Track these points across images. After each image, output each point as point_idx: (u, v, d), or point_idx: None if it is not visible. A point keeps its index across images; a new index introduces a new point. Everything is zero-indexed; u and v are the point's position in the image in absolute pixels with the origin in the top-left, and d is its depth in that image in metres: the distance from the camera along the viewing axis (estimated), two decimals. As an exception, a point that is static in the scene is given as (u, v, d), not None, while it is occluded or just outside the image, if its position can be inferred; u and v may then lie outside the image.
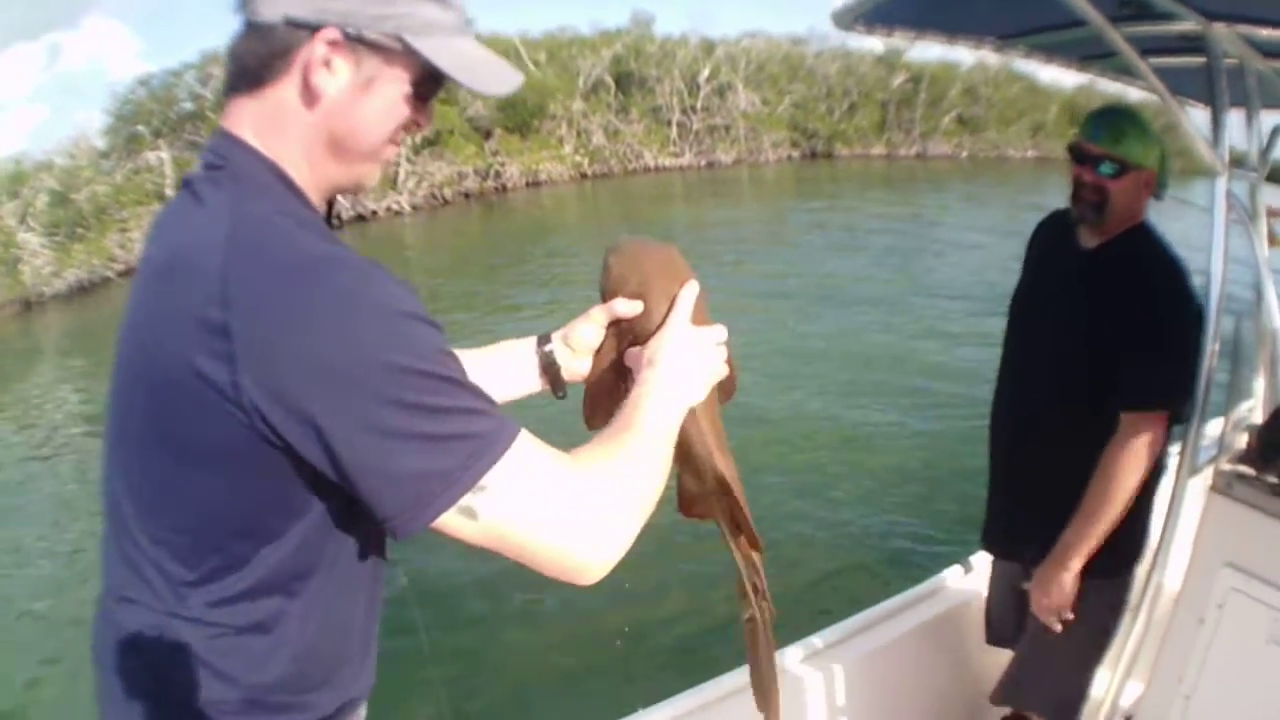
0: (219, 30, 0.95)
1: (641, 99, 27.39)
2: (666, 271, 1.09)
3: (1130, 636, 1.80)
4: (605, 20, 28.43)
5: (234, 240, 0.80)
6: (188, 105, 25.96)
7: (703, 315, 1.10)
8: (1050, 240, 2.03)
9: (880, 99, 35.16)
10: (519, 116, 25.37)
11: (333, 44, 0.88)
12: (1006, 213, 20.22)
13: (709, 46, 29.95)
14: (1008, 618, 2.18)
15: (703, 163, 27.31)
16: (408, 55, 0.90)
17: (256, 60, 0.91)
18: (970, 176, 30.14)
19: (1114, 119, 1.79)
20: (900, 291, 11.84)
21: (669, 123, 27.47)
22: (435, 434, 0.80)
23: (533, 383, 1.25)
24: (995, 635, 2.26)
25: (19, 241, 25.33)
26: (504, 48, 26.16)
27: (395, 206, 23.86)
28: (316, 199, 0.96)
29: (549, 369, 1.23)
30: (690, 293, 1.09)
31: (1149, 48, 1.76)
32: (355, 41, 0.88)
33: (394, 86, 0.92)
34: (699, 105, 28.25)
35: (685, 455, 1.08)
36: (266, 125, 0.92)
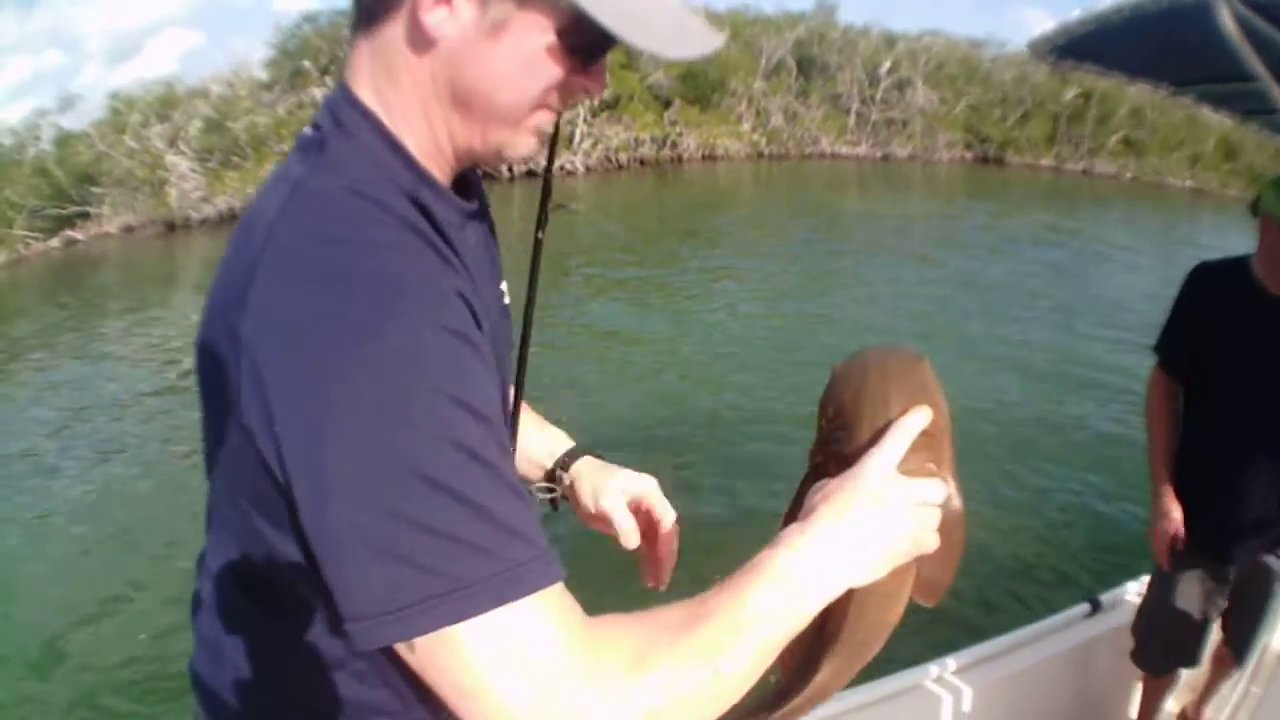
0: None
1: (822, 85, 26.54)
2: (890, 389, 0.83)
3: (1235, 690, 2.28)
4: (789, 2, 27.63)
5: (275, 229, 0.69)
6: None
7: (932, 458, 0.82)
8: (1224, 289, 2.28)
9: (1052, 110, 33.69)
10: (700, 89, 24.77)
11: None
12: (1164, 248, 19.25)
13: (890, 40, 28.95)
14: (1191, 634, 2.38)
15: (878, 154, 26.26)
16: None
17: None
18: (1132, 199, 28.79)
19: None
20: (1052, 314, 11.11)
21: (848, 111, 26.51)
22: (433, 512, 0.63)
23: (529, 470, 1.19)
24: (1168, 656, 2.46)
25: (167, 164, 25.74)
26: (689, 19, 25.69)
27: (569, 166, 23.45)
28: (449, 164, 0.85)
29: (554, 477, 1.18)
30: (913, 421, 0.80)
31: None
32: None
33: (533, 36, 0.74)
34: (878, 97, 27.21)
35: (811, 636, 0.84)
36: (381, 75, 0.79)
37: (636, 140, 23.51)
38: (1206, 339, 2.28)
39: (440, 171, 0.84)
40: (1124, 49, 1.95)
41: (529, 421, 1.22)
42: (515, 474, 0.70)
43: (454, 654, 0.62)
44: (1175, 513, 2.29)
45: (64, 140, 29.35)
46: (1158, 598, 2.44)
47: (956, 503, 0.84)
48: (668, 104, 24.49)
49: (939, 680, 2.33)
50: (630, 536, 1.09)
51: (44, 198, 28.04)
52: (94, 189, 27.29)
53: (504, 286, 1.06)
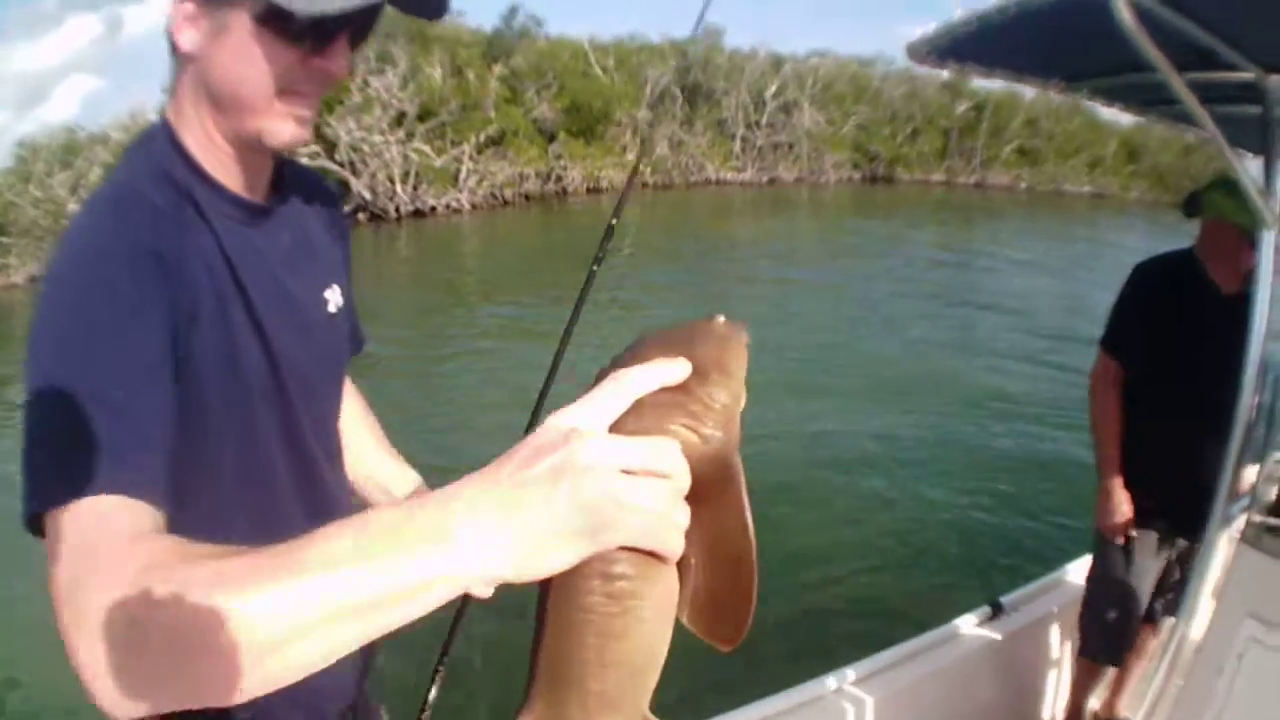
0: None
1: (707, 111, 27.48)
2: (667, 342, 0.64)
3: (1153, 683, 1.90)
4: (675, 29, 28.50)
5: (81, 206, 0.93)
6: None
7: (690, 426, 0.60)
8: (1176, 284, 2.43)
9: (943, 125, 34.83)
10: (584, 121, 25.62)
11: (189, 1, 0.89)
12: (1060, 249, 19.88)
13: (778, 63, 29.92)
14: (1134, 614, 2.51)
15: (764, 179, 27.28)
16: None
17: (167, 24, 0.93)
18: (1028, 209, 29.67)
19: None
20: (950, 324, 11.55)
21: (733, 137, 27.49)
22: (42, 412, 0.76)
23: (378, 500, 1.25)
24: (1110, 638, 2.56)
25: (69, 213, 26.15)
26: (572, 50, 26.47)
27: (455, 204, 24.24)
28: (229, 158, 0.97)
29: None
30: (654, 370, 0.59)
31: (1209, 96, 1.80)
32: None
33: (244, 31, 0.88)
34: (764, 121, 28.22)
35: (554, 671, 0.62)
36: (175, 95, 0.96)
37: (521, 175, 24.34)
38: (1163, 330, 2.41)
39: (221, 164, 0.97)
40: (1009, 47, 1.91)
41: (391, 457, 1.31)
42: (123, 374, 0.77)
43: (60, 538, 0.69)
44: (1126, 500, 2.44)
45: (-29, 190, 29.53)
46: (1102, 580, 2.56)
47: (737, 512, 0.60)
48: (552, 138, 25.31)
49: (839, 692, 2.25)
50: None
51: (-48, 244, 28.26)
52: (2, 239, 27.62)
53: (328, 294, 1.13)
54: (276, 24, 0.86)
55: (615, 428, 0.57)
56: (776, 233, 21.30)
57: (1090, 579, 2.62)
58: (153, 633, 0.58)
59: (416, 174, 24.11)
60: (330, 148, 24.18)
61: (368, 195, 24.00)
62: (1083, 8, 1.41)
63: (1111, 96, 2.30)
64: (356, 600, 0.54)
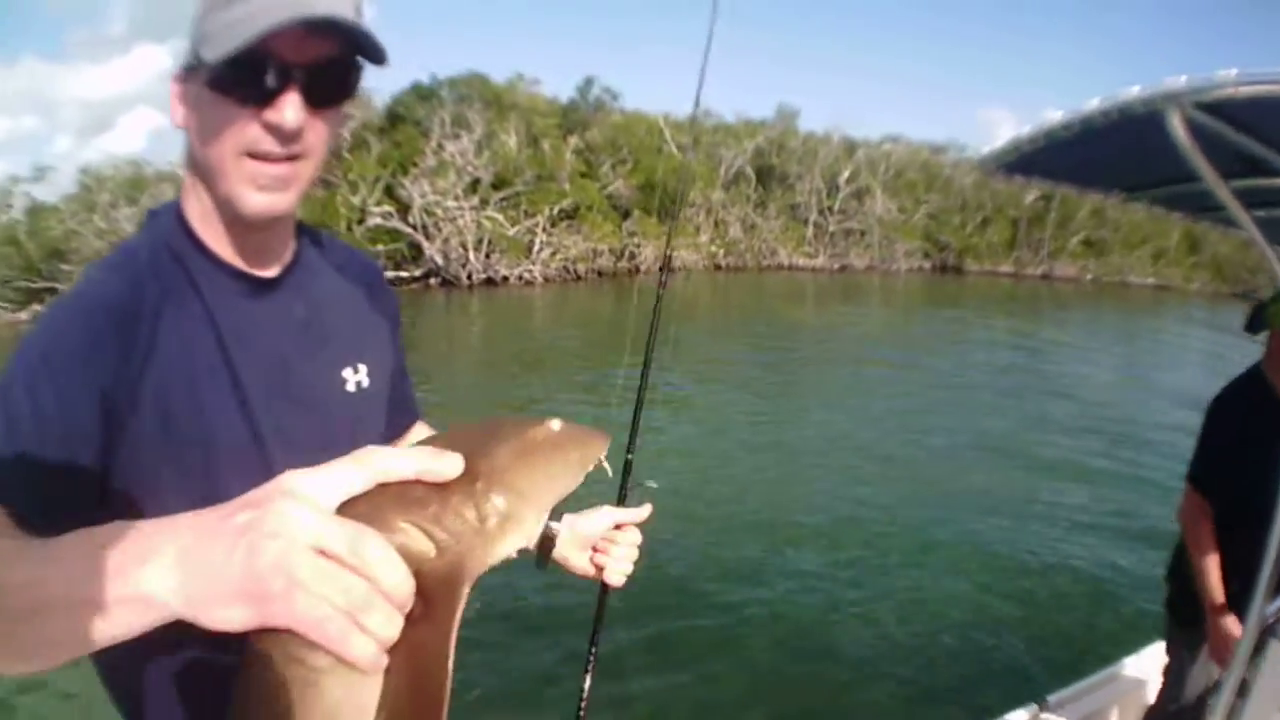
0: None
1: (781, 195, 27.10)
2: (473, 435, 0.60)
3: None
4: (751, 109, 28.27)
5: None
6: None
7: (429, 526, 0.53)
8: (1255, 410, 2.46)
9: (1012, 215, 34.41)
10: (659, 199, 25.29)
11: (176, 78, 0.94)
12: (1126, 344, 19.62)
13: (851, 147, 29.60)
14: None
15: (836, 265, 26.84)
16: (203, 65, 0.88)
17: None
18: (1094, 301, 29.32)
19: None
20: (1013, 421, 11.11)
21: (806, 221, 27.10)
22: None
23: None
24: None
25: None
26: (647, 126, 26.21)
27: (528, 275, 23.86)
28: (224, 231, 0.99)
29: (545, 543, 1.22)
30: (418, 457, 0.55)
31: (1258, 201, 1.98)
32: (186, 73, 0.93)
33: (204, 94, 0.90)
34: (836, 207, 27.83)
35: None
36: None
37: (595, 251, 23.97)
38: (1249, 463, 2.35)
39: (220, 237, 1.00)
40: (1074, 162, 2.03)
41: None
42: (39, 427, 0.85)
43: None
44: (1237, 630, 2.36)
45: (36, 211, 29.48)
46: (1177, 692, 2.62)
47: (439, 643, 0.53)
48: (626, 214, 24.98)
49: None
50: (633, 532, 1.26)
51: (14, 268, 28.17)
52: (63, 265, 27.49)
53: (348, 373, 1.11)
54: (221, 83, 0.88)
55: (346, 507, 0.53)
56: (847, 320, 20.71)
57: (1166, 693, 2.67)
58: None
59: (490, 242, 23.76)
60: (404, 210, 23.91)
61: (440, 260, 23.65)
62: (1140, 124, 1.55)
63: (1169, 204, 2.44)
64: (64, 595, 0.59)
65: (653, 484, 1.40)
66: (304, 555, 0.50)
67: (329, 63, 0.90)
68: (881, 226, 29.30)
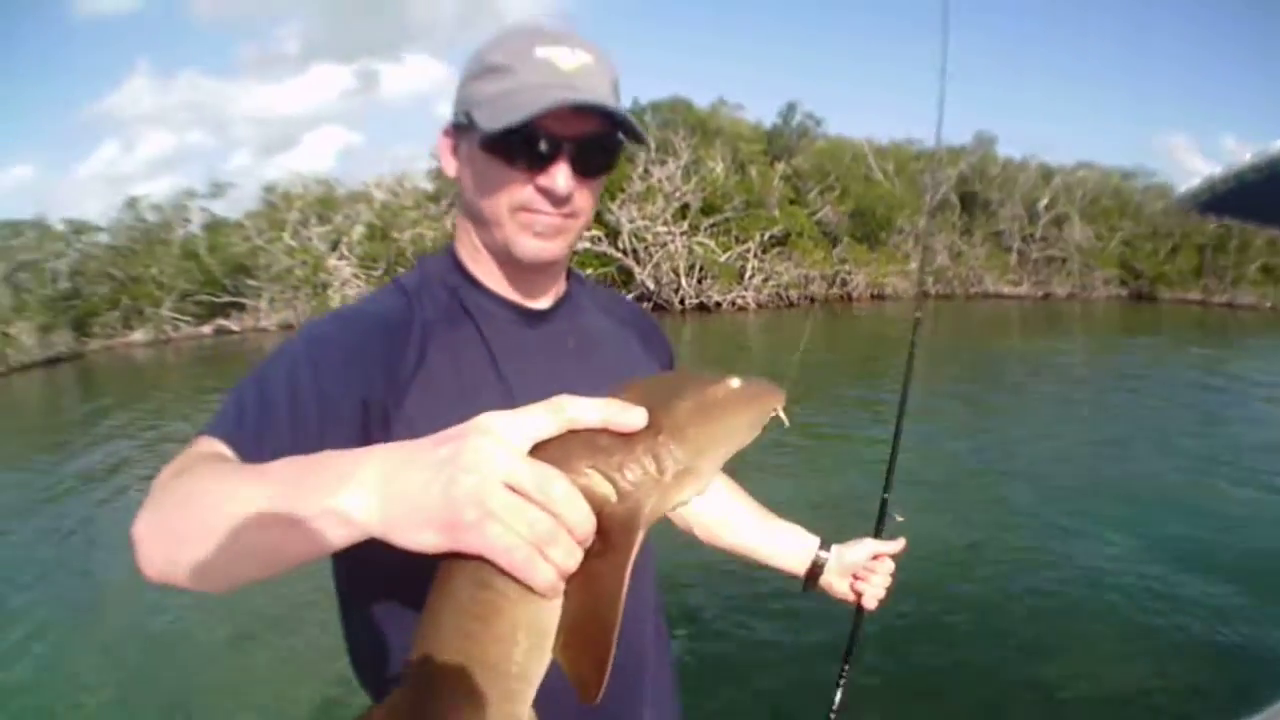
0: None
1: (985, 221, 26.03)
2: (657, 384, 0.66)
3: None
4: (950, 135, 27.22)
5: None
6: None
7: (607, 469, 0.58)
8: None
9: (1198, 241, 32.90)
10: (868, 226, 24.40)
11: (445, 135, 1.07)
12: None
13: (1047, 174, 28.42)
14: None
15: (1039, 294, 25.67)
16: (475, 126, 0.98)
17: None
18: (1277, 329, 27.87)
19: None
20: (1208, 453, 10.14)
21: (1009, 249, 26.00)
22: (239, 383, 0.93)
23: (791, 565, 1.42)
24: None
25: (329, 267, 25.72)
26: (852, 152, 25.33)
27: (740, 301, 23.11)
28: (498, 269, 1.09)
29: (815, 570, 1.40)
30: (600, 405, 0.60)
31: None
32: (457, 129, 1.05)
33: (477, 153, 1.01)
34: (1038, 234, 26.69)
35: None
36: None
37: (806, 277, 23.14)
38: None
39: (491, 273, 1.09)
40: (1265, 201, 2.06)
41: (774, 520, 1.45)
42: (297, 405, 0.88)
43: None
44: None
45: (215, 227, 29.69)
46: None
47: (614, 581, 0.58)
48: (835, 241, 24.14)
49: None
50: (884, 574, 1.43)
51: (194, 282, 28.29)
52: (249, 281, 27.44)
53: None
54: (497, 148, 0.98)
55: (537, 449, 0.58)
56: (1053, 349, 19.47)
57: None
58: (159, 501, 0.74)
59: (701, 268, 23.05)
60: (613, 235, 23.32)
61: (651, 285, 23.08)
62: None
63: None
64: (268, 509, 0.64)
65: (900, 517, 1.56)
66: (496, 489, 0.55)
67: (594, 138, 0.98)
68: (1080, 254, 28.01)
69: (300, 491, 0.63)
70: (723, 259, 23.03)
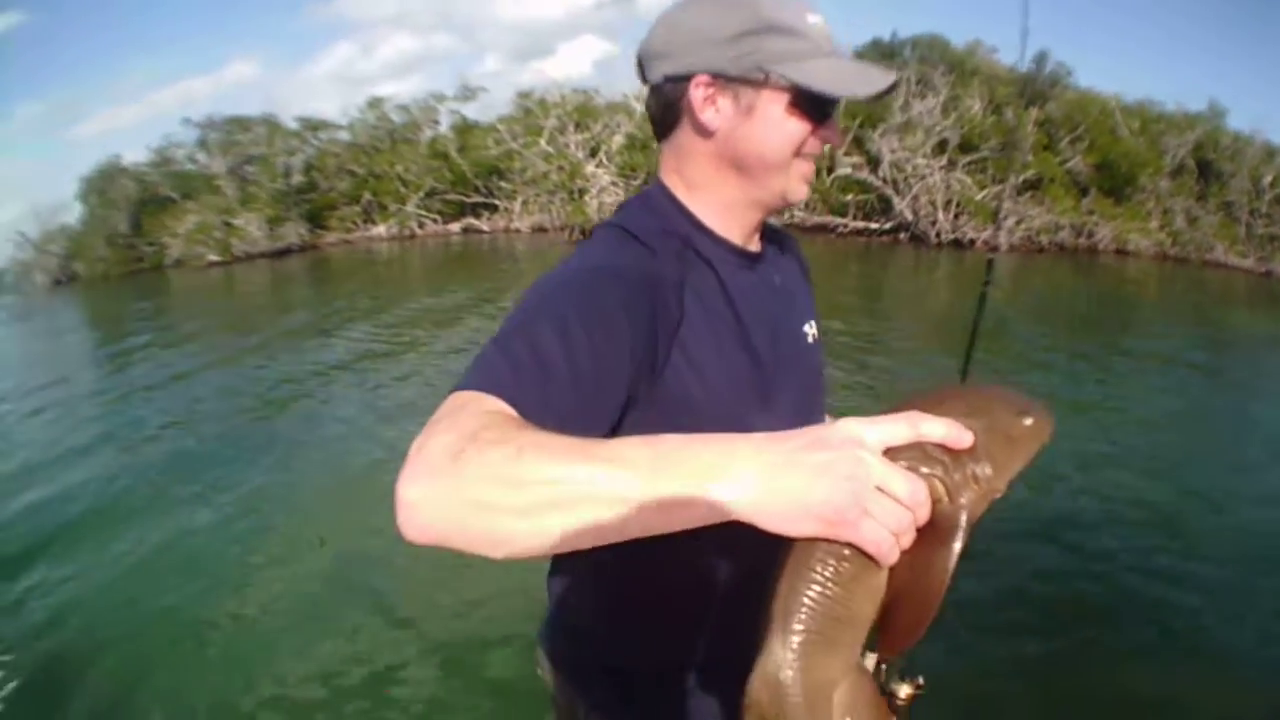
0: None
1: (1218, 190, 26.62)
2: (966, 404, 0.78)
3: None
4: (1187, 101, 27.68)
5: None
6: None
7: (941, 480, 0.74)
8: None
9: None
10: (1113, 180, 25.09)
11: (707, 85, 1.10)
12: None
13: (1271, 151, 28.78)
14: None
15: (1262, 269, 26.21)
16: (774, 81, 1.07)
17: (658, 113, 1.18)
18: None
19: None
20: None
21: (1239, 220, 26.58)
22: (497, 338, 0.92)
23: None
24: None
25: (587, 174, 26.94)
26: (1101, 107, 25.98)
27: (993, 241, 24.06)
28: (741, 219, 1.21)
29: None
30: (938, 424, 0.73)
31: None
32: (725, 80, 1.09)
33: (775, 108, 1.09)
34: (1263, 210, 27.21)
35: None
36: (680, 163, 1.20)
37: (1056, 224, 24.01)
38: None
39: (732, 225, 1.21)
40: None
41: None
42: (570, 358, 0.91)
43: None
44: None
45: (465, 129, 31.00)
46: None
47: (942, 567, 0.74)
48: (1084, 192, 24.93)
49: None
50: None
51: (444, 182, 29.70)
52: (501, 183, 28.86)
53: (807, 328, 1.36)
54: (805, 104, 1.09)
55: (888, 451, 0.71)
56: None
57: None
58: (462, 466, 0.69)
59: (958, 204, 24.04)
60: (874, 164, 24.33)
61: (910, 216, 24.06)
62: None
63: None
64: (629, 495, 0.68)
65: None
66: (873, 494, 0.69)
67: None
68: (1302, 236, 28.42)
69: (665, 479, 0.69)
70: (978, 197, 24.01)
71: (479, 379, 0.86)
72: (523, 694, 3.78)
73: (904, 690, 1.20)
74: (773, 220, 1.34)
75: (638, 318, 1.00)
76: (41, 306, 24.96)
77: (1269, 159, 28.83)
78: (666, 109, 1.19)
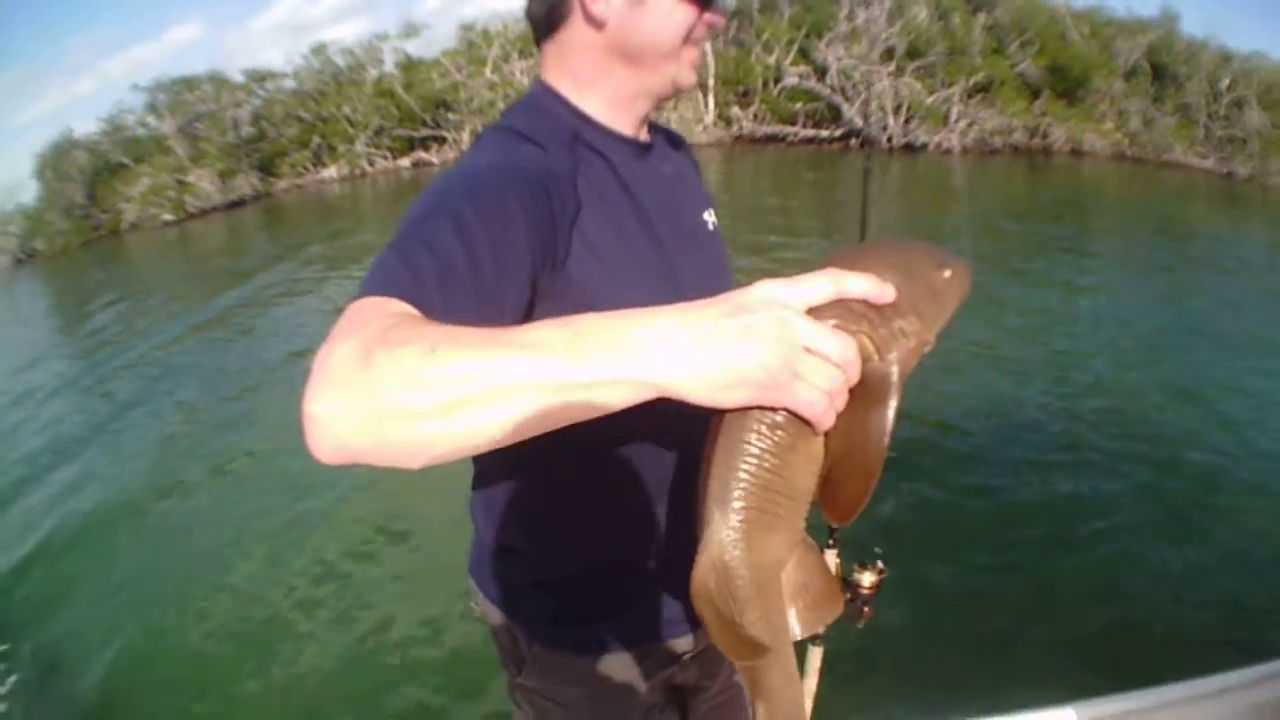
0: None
1: (1174, 93, 26.28)
2: (885, 256, 0.73)
3: None
4: (1138, 7, 27.39)
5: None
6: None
7: (870, 337, 0.70)
8: None
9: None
10: (1065, 83, 24.74)
11: None
12: None
13: (1225, 57, 28.49)
14: None
15: (1223, 170, 25.93)
16: None
17: (543, 12, 1.15)
18: None
19: None
20: None
21: (1196, 122, 26.28)
22: (393, 243, 0.86)
23: None
24: None
25: None
26: (1049, 14, 25.64)
27: (945, 144, 23.70)
28: (632, 111, 1.19)
29: None
30: (859, 279, 0.68)
31: None
32: None
33: None
34: (1222, 112, 26.94)
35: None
36: (564, 61, 1.15)
37: (1009, 127, 23.64)
38: None
39: (621, 117, 1.18)
40: None
41: None
42: (464, 250, 0.85)
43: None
44: None
45: (409, 66, 30.53)
46: None
47: (879, 427, 0.69)
48: (1036, 94, 24.56)
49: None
50: None
51: (390, 119, 29.24)
52: (449, 115, 28.38)
53: (707, 215, 1.34)
54: None
55: (810, 311, 0.66)
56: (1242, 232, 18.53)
57: None
58: (373, 371, 0.62)
59: (908, 109, 23.63)
60: (820, 73, 23.90)
61: (859, 122, 23.64)
62: None
63: None
64: (554, 380, 0.63)
65: None
66: (802, 354, 0.64)
67: None
68: (1259, 139, 28.15)
69: (587, 359, 0.63)
70: (928, 101, 23.60)
71: (377, 284, 0.79)
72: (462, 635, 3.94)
73: (867, 578, 1.20)
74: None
75: (535, 209, 0.96)
76: (3, 286, 24.32)
77: (1225, 63, 28.58)
78: (553, 7, 1.14)
